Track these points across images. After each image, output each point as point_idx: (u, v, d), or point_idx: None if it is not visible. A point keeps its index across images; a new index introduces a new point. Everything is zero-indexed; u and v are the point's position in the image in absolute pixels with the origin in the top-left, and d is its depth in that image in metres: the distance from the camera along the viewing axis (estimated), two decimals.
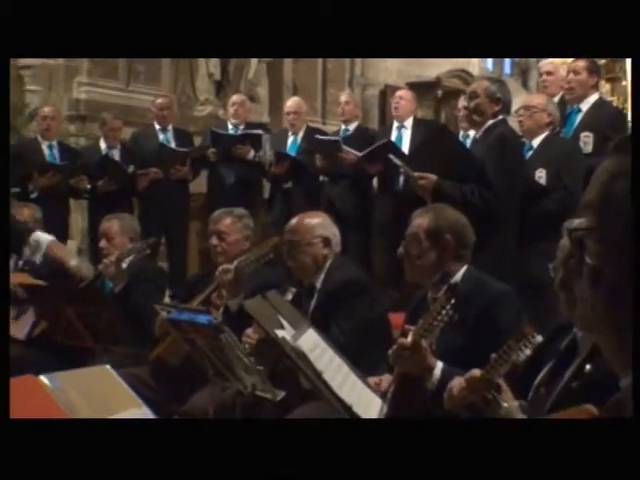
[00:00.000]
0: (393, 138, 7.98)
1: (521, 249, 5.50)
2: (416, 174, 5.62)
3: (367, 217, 8.10)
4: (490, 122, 5.51)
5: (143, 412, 2.58)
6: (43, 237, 3.95)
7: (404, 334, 3.30)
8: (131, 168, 8.19)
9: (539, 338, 2.75)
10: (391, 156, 6.65)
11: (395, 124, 8.14)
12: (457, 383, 2.96)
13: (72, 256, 3.91)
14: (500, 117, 5.52)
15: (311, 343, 3.15)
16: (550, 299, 4.03)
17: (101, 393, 2.57)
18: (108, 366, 2.60)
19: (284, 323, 3.15)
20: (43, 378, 2.52)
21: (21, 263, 6.22)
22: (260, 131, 8.65)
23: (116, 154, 8.39)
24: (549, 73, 7.14)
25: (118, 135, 8.54)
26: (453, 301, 3.12)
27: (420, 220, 3.82)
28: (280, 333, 3.10)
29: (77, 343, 5.06)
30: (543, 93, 6.94)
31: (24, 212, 6.26)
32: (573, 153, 6.02)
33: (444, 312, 3.13)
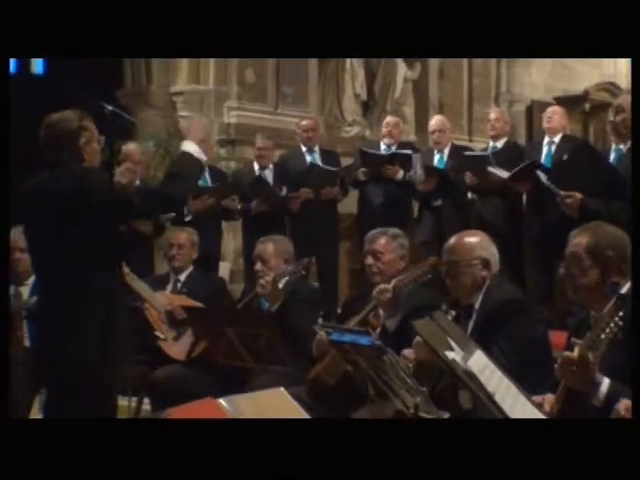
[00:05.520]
0: (543, 154, 7.89)
1: None
2: (562, 192, 5.56)
3: (518, 234, 8.00)
4: None
5: None
6: None
7: (570, 347, 3.25)
8: (284, 190, 8.29)
9: None
10: (539, 173, 6.56)
11: (546, 139, 8.02)
12: (626, 405, 2.90)
13: None
14: None
15: (480, 364, 3.13)
16: None
17: (276, 415, 2.62)
18: (282, 388, 2.65)
19: (453, 344, 3.15)
20: (222, 401, 2.58)
21: (179, 285, 6.38)
22: (409, 151, 8.67)
23: (269, 175, 8.51)
24: None
25: (269, 154, 8.66)
26: (622, 313, 3.06)
27: (579, 239, 3.76)
28: (450, 355, 3.09)
29: (237, 363, 5.13)
30: None
31: (182, 236, 6.41)
32: None
33: (612, 324, 3.07)
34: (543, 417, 3.16)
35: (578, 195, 5.41)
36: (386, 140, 8.80)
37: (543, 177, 6.97)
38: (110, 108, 4.01)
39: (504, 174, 7.58)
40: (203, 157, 4.40)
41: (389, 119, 9.13)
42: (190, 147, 4.33)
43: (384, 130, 8.90)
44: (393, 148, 8.71)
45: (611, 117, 6.55)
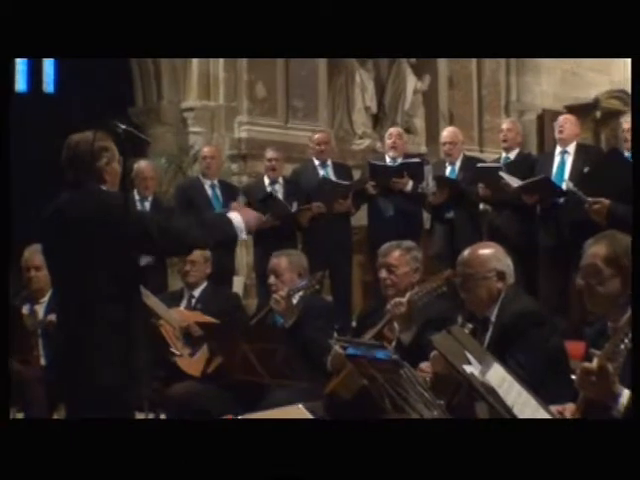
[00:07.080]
0: (555, 164, 7.83)
1: None
2: (590, 199, 5.52)
3: (532, 245, 7.97)
4: None
5: None
6: None
7: (589, 358, 3.23)
8: (294, 205, 8.28)
9: None
10: (566, 181, 6.50)
11: (558, 149, 7.97)
12: None
13: None
14: None
15: (499, 378, 3.13)
16: None
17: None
18: (301, 405, 2.65)
19: (470, 358, 3.14)
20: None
21: (193, 301, 6.38)
22: (417, 159, 8.65)
23: (279, 189, 8.51)
24: None
25: (279, 166, 8.64)
26: None
27: (596, 249, 3.73)
28: (468, 369, 3.08)
29: (253, 379, 5.13)
30: None
31: (195, 252, 6.39)
32: None
33: (631, 334, 3.06)
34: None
35: (606, 201, 5.37)
36: (391, 153, 8.72)
37: (570, 184, 6.94)
38: (124, 127, 3.98)
39: (515, 182, 7.56)
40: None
41: (392, 130, 9.07)
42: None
43: (388, 142, 8.81)
44: (398, 160, 8.64)
45: (625, 124, 6.54)
